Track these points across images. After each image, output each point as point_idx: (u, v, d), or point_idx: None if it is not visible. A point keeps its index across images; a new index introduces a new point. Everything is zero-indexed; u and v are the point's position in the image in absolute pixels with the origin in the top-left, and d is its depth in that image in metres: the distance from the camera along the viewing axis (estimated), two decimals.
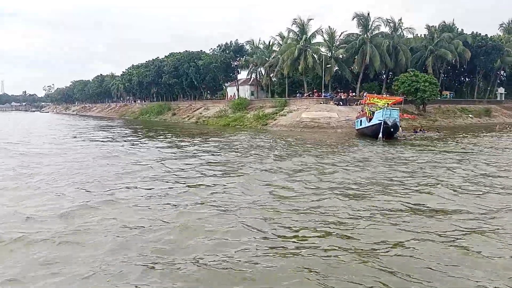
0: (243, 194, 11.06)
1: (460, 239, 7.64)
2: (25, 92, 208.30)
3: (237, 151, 20.94)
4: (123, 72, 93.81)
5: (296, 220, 8.66)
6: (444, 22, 51.38)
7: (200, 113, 56.15)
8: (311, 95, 45.98)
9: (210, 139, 28.13)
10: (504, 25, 58.70)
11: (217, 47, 59.82)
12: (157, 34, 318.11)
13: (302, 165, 15.98)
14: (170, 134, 33.44)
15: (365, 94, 42.21)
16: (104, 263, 6.48)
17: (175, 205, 9.88)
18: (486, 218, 8.91)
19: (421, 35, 52.49)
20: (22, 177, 13.48)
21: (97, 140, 28.58)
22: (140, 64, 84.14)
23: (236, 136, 30.31)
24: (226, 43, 58.48)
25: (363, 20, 44.94)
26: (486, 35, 52.33)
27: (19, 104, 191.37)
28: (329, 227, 8.23)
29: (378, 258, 6.67)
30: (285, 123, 38.33)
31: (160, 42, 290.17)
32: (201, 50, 67.66)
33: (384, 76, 50.68)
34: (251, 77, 59.98)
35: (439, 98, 45.85)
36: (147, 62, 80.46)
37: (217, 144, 24.92)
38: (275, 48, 53.42)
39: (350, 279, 5.95)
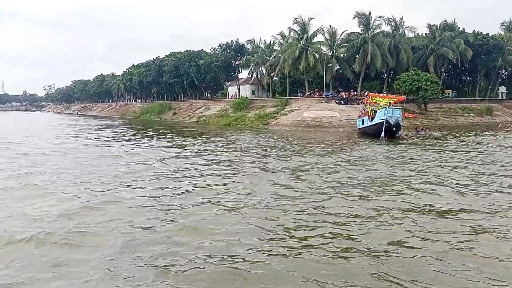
0: (248, 194, 11.01)
1: (467, 239, 7.59)
2: (26, 92, 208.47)
3: (240, 151, 20.88)
4: (123, 71, 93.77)
5: (301, 220, 8.61)
6: (446, 21, 51.26)
7: (201, 113, 56.08)
8: (312, 94, 45.89)
9: (212, 139, 28.06)
10: (505, 24, 58.53)
11: (218, 46, 59.75)
12: (157, 34, 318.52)
13: (305, 164, 15.92)
14: (171, 134, 33.38)
15: (366, 93, 42.22)
16: (112, 265, 6.43)
17: (181, 205, 9.84)
18: (493, 218, 8.86)
19: (422, 34, 52.43)
20: (28, 177, 13.43)
21: (99, 140, 28.53)
22: (141, 64, 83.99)
23: (237, 136, 30.24)
24: (227, 42, 58.42)
25: (364, 19, 44.84)
26: (488, 33, 52.21)
27: (19, 104, 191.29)
28: (334, 227, 8.18)
29: (384, 258, 6.62)
30: (287, 122, 38.25)
31: (160, 42, 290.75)
32: (201, 50, 67.57)
33: (385, 75, 50.57)
34: (252, 76, 59.87)
35: (440, 97, 45.74)
36: (147, 62, 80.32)
37: (219, 143, 24.86)
38: (276, 47, 53.30)
39: (355, 279, 5.89)
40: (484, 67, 52.91)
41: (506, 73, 59.34)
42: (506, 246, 7.20)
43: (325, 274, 6.07)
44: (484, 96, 55.90)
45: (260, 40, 56.33)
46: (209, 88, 70.62)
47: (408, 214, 9.08)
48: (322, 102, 40.95)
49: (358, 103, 39.48)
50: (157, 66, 73.18)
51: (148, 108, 74.03)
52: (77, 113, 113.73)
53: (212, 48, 62.02)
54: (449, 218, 8.86)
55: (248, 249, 6.99)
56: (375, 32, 45.73)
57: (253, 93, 61.10)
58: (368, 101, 31.19)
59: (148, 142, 26.32)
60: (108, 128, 44.48)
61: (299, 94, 48.76)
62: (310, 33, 45.92)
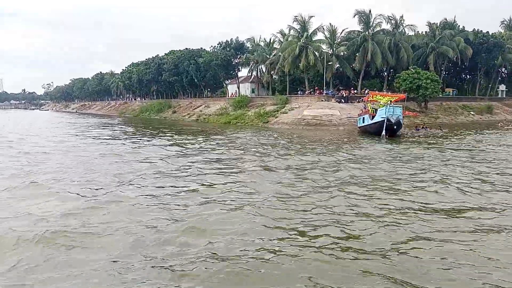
0: (251, 193, 10.98)
1: (475, 238, 7.55)
2: (25, 90, 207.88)
3: (241, 149, 20.83)
4: (123, 69, 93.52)
5: (306, 220, 8.57)
6: (446, 19, 51.22)
7: (201, 111, 55.98)
8: (312, 92, 45.83)
9: (212, 137, 28.00)
10: (505, 22, 58.50)
11: (218, 44, 59.57)
12: (157, 34, 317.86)
13: (307, 163, 15.89)
14: (172, 132, 33.31)
15: (366, 91, 42.17)
16: (120, 266, 6.40)
17: (185, 205, 9.80)
18: (501, 216, 8.82)
19: (422, 32, 52.35)
20: (31, 176, 13.37)
21: (99, 138, 28.46)
22: (140, 62, 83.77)
23: (238, 134, 30.19)
24: (227, 41, 58.24)
25: (364, 17, 44.75)
26: (488, 32, 52.18)
27: (18, 102, 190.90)
28: (340, 227, 8.14)
29: (392, 259, 6.58)
30: (287, 120, 38.19)
31: (160, 42, 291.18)
32: (201, 48, 67.41)
33: (386, 73, 50.51)
34: (251, 74, 59.76)
35: (441, 96, 45.71)
36: (147, 60, 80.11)
37: (219, 142, 24.81)
38: (276, 45, 53.20)
39: (364, 280, 5.85)
40: (484, 66, 52.89)
41: (506, 72, 59.31)
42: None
43: (333, 275, 6.04)
44: (484, 95, 55.90)
45: (260, 38, 56.37)
46: (209, 86, 70.52)
47: (414, 213, 9.05)
48: (322, 101, 40.90)
49: (358, 101, 39.48)
50: (156, 64, 73.01)
51: (148, 106, 73.89)
52: (76, 112, 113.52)
53: (211, 46, 61.93)
54: (456, 217, 8.82)
55: (256, 249, 6.94)
56: (375, 30, 45.68)
57: (253, 91, 61.03)
58: (369, 99, 31.13)
59: (148, 141, 26.25)
60: (107, 126, 44.38)
61: (299, 93, 48.69)
62: (310, 31, 45.88)
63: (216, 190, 11.34)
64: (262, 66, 55.73)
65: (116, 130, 38.24)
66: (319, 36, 46.97)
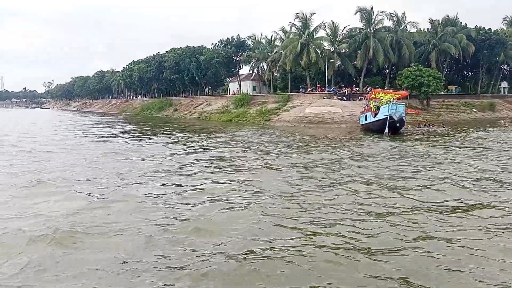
0: (256, 192, 10.95)
1: (483, 237, 7.49)
2: (25, 88, 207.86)
3: (243, 147, 20.79)
4: (123, 67, 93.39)
5: (313, 219, 8.53)
6: (448, 16, 51.01)
7: (202, 109, 55.90)
8: (314, 90, 45.72)
9: (214, 135, 27.96)
10: (507, 19, 58.18)
11: (219, 42, 59.43)
12: (157, 34, 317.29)
13: (311, 161, 15.83)
14: (173, 130, 33.28)
15: (368, 88, 42.06)
16: (130, 266, 6.37)
17: (191, 203, 9.79)
18: (509, 215, 8.75)
19: (424, 29, 52.14)
20: (36, 175, 13.34)
21: (102, 137, 28.45)
22: (141, 60, 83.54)
23: (240, 132, 30.13)
24: (228, 38, 58.06)
25: (366, 14, 44.51)
26: (490, 29, 51.91)
27: (19, 100, 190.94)
28: (348, 226, 8.11)
29: (398, 258, 6.53)
30: (289, 118, 38.10)
31: (161, 42, 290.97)
32: (202, 45, 67.17)
33: (387, 70, 50.31)
34: (253, 72, 59.57)
35: (443, 93, 45.56)
36: (147, 58, 79.86)
37: (222, 140, 24.76)
38: (277, 43, 53.04)
39: (373, 281, 5.80)
40: (486, 63, 52.70)
41: (507, 69, 59.15)
42: None
43: (345, 275, 6.01)
44: (486, 92, 55.75)
45: (261, 35, 56.08)
46: (210, 84, 70.36)
47: (421, 212, 8.99)
48: (324, 98, 40.77)
49: (360, 99, 39.38)
50: (157, 62, 72.83)
51: (149, 104, 73.84)
52: (77, 110, 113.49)
53: (213, 44, 61.80)
54: (465, 216, 8.76)
55: (266, 248, 6.90)
56: (377, 28, 45.42)
57: (254, 89, 60.90)
58: (371, 97, 31.03)
59: (151, 139, 26.22)
60: (109, 124, 44.36)
61: (301, 90, 48.57)
62: (312, 28, 45.69)
63: (222, 188, 11.30)
64: (264, 63, 55.60)
65: (118, 128, 38.20)
66: (321, 33, 46.81)
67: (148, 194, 10.77)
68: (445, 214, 8.84)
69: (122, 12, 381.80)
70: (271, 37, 54.51)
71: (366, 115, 30.30)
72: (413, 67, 40.70)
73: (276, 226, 8.02)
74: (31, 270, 6.21)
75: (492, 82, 57.33)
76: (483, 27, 51.82)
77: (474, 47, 47.80)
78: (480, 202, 9.73)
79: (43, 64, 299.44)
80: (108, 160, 16.73)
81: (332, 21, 46.68)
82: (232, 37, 57.96)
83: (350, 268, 6.20)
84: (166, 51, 74.46)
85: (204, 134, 28.65)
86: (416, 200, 9.93)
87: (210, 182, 12.18)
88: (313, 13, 45.80)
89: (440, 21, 50.17)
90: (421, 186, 11.36)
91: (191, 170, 14.23)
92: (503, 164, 14.87)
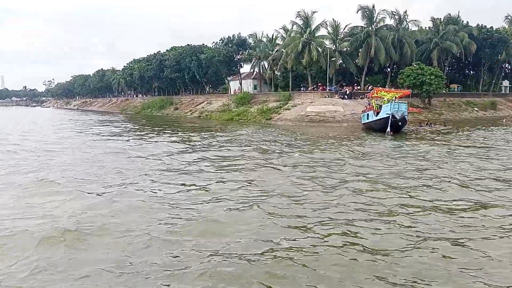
0: (259, 191, 10.90)
1: (487, 237, 7.41)
2: (26, 87, 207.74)
3: (245, 146, 20.70)
4: (124, 66, 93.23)
5: (316, 219, 8.47)
6: (449, 15, 50.80)
7: (203, 108, 55.81)
8: (315, 88, 45.59)
9: (216, 134, 27.88)
10: (509, 18, 57.85)
11: (220, 40, 59.29)
12: (157, 34, 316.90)
13: (313, 160, 15.76)
14: (175, 129, 33.22)
15: (370, 87, 41.93)
16: (134, 266, 6.32)
17: (194, 203, 9.72)
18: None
19: (425, 27, 51.97)
20: (39, 174, 13.29)
21: (103, 135, 28.41)
22: (142, 59, 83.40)
23: (241, 131, 30.05)
24: (229, 37, 57.92)
25: (367, 13, 44.27)
26: (492, 27, 51.77)
27: (19, 99, 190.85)
28: (350, 226, 8.02)
29: (402, 259, 6.45)
30: (290, 117, 38.00)
31: (161, 42, 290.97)
32: (203, 44, 67.06)
33: (389, 69, 50.18)
34: (254, 71, 59.48)
35: (445, 92, 45.42)
36: (148, 56, 79.73)
37: (223, 138, 24.69)
38: (278, 41, 52.90)
39: (375, 282, 5.74)
40: (488, 61, 52.57)
41: (509, 67, 59.01)
42: None
43: (352, 276, 5.94)
44: (487, 90, 55.61)
45: (262, 34, 55.95)
46: (211, 82, 70.24)
47: (427, 212, 8.91)
48: (325, 97, 40.66)
49: (362, 98, 39.22)
50: (158, 61, 72.69)
51: (149, 103, 73.74)
52: (77, 108, 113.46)
53: (213, 42, 61.66)
54: (470, 216, 8.68)
55: (274, 250, 6.82)
56: (378, 26, 45.18)
57: (255, 87, 60.78)
58: (373, 96, 30.92)
59: (153, 138, 26.16)
60: (110, 123, 44.28)
61: (302, 89, 48.47)
62: (313, 27, 45.49)
63: (226, 188, 11.23)
64: (265, 62, 55.45)
65: (120, 127, 38.14)
66: (322, 31, 46.66)
67: (153, 193, 10.71)
68: (452, 214, 8.76)
69: (122, 12, 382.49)
70: (272, 35, 54.45)
71: (368, 114, 30.19)
72: (415, 65, 40.55)
73: (283, 226, 7.94)
74: (40, 272, 6.13)
75: (493, 81, 57.18)
76: (485, 26, 51.67)
77: (476, 45, 47.68)
78: (488, 202, 9.65)
79: (43, 64, 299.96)
80: (111, 159, 16.67)
81: (333, 19, 46.51)
82: (233, 36, 57.82)
83: (359, 269, 6.13)
84: (167, 50, 74.32)
85: (205, 133, 28.57)
86: (423, 200, 9.85)
87: (214, 182, 12.10)
88: (315, 12, 45.71)
89: (441, 19, 49.99)
90: (426, 186, 11.28)
91: (194, 169, 14.17)
92: (510, 163, 14.75)
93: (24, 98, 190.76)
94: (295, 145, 21.12)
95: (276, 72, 54.76)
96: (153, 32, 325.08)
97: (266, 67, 55.87)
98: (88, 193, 10.77)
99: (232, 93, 59.66)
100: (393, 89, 35.41)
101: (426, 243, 7.05)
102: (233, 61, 58.85)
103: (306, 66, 46.57)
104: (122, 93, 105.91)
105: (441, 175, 12.72)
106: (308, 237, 7.41)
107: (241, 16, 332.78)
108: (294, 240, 7.25)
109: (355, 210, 9.01)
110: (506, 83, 58.18)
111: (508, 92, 57.39)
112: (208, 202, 9.72)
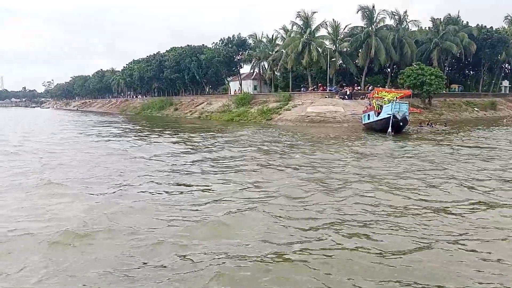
0: (262, 192, 10.85)
1: (495, 238, 7.37)
2: (25, 88, 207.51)
3: (246, 147, 20.66)
4: (124, 67, 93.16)
5: (321, 221, 8.40)
6: (449, 15, 50.86)
7: (203, 108, 55.76)
8: (315, 89, 45.59)
9: (217, 135, 27.86)
10: (509, 18, 57.91)
11: (220, 41, 59.31)
12: (157, 34, 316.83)
13: (315, 161, 15.72)
14: (175, 130, 33.17)
15: (370, 87, 41.94)
16: (143, 268, 6.29)
17: (198, 204, 9.68)
18: None
19: (425, 28, 51.99)
20: (41, 175, 13.22)
21: (104, 136, 28.37)
22: (141, 59, 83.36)
23: (242, 131, 30.02)
24: (229, 37, 57.96)
25: (367, 13, 44.29)
26: (492, 27, 51.85)
27: (19, 100, 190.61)
28: (357, 228, 7.98)
29: (410, 262, 6.40)
30: (290, 117, 37.97)
31: (161, 42, 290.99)
32: (203, 45, 67.09)
33: (389, 69, 50.19)
34: (254, 71, 59.45)
35: (445, 92, 45.41)
36: (148, 57, 79.69)
37: (224, 139, 24.66)
38: (278, 41, 52.89)
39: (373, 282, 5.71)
40: (487, 61, 52.62)
41: (509, 67, 59.06)
42: None
43: (362, 278, 5.90)
44: (487, 91, 55.65)
45: (262, 34, 55.93)
46: (211, 83, 70.22)
47: (433, 214, 8.85)
48: (326, 97, 40.65)
49: (362, 98, 39.22)
50: (157, 62, 72.64)
51: (149, 103, 73.64)
52: (77, 109, 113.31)
53: (213, 43, 61.67)
54: (479, 217, 8.62)
55: (286, 253, 6.77)
56: (378, 26, 45.20)
57: (255, 88, 60.75)
58: (374, 96, 30.89)
59: (153, 138, 26.11)
60: (111, 124, 44.21)
61: (302, 89, 48.45)
62: (313, 27, 45.50)
63: (229, 189, 11.18)
64: (265, 62, 55.44)
65: (120, 128, 38.07)
66: (322, 32, 46.70)
67: (157, 194, 10.68)
68: (460, 215, 8.70)
69: (122, 12, 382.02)
70: (272, 36, 54.43)
71: (368, 114, 30.17)
72: (415, 65, 40.54)
73: (290, 229, 7.88)
74: (50, 276, 6.06)
75: (493, 81, 57.24)
76: (485, 26, 51.71)
77: (476, 45, 47.72)
78: (494, 202, 9.60)
79: (43, 64, 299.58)
80: (113, 160, 16.64)
81: (333, 19, 46.53)
82: (233, 36, 57.83)
83: (367, 271, 6.08)
84: (166, 50, 74.27)
85: (206, 134, 28.53)
86: (429, 201, 9.78)
87: (217, 183, 12.06)
88: (315, 12, 45.73)
89: (441, 19, 50.02)
90: (431, 187, 11.22)
91: (196, 171, 14.12)
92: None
93: (24, 99, 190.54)
94: (297, 145, 21.08)
95: (276, 73, 54.74)
96: (153, 32, 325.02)
97: (266, 67, 55.86)
98: (92, 194, 10.72)
99: (232, 93, 59.63)
100: (393, 89, 35.42)
101: (437, 245, 7.01)
102: (233, 62, 58.85)
103: (306, 66, 46.56)
104: (122, 94, 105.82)
105: (445, 175, 12.69)
106: (318, 239, 7.36)
107: (241, 16, 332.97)
108: (304, 242, 7.20)
109: (361, 211, 8.96)
110: (506, 83, 58.23)
111: (508, 92, 57.44)
112: (213, 204, 9.67)
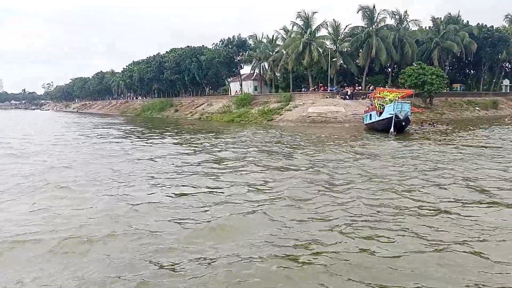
0: (265, 193, 10.75)
1: (503, 240, 7.26)
2: (25, 90, 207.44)
3: (248, 148, 20.54)
4: (123, 68, 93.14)
5: (326, 223, 8.29)
6: (450, 14, 50.85)
7: (203, 109, 55.68)
8: (316, 89, 45.50)
9: (217, 136, 27.77)
10: (509, 17, 57.89)
11: (220, 41, 59.27)
12: (157, 34, 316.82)
13: (317, 162, 15.62)
14: (176, 131, 33.09)
15: (371, 87, 41.85)
16: (152, 270, 6.21)
17: (202, 206, 9.58)
18: None
19: (426, 27, 51.94)
20: (42, 177, 13.14)
21: (105, 137, 28.28)
22: (141, 60, 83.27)
23: (243, 132, 29.93)
24: (229, 38, 57.90)
25: (368, 13, 44.21)
26: (492, 26, 51.80)
27: (18, 102, 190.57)
28: (363, 230, 7.85)
29: (418, 265, 6.29)
30: (291, 118, 37.89)
31: (161, 42, 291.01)
32: (203, 45, 67.01)
33: (390, 69, 50.11)
34: (254, 72, 59.37)
35: (446, 91, 45.31)
36: (148, 58, 79.61)
37: (225, 140, 24.56)
38: (279, 42, 52.80)
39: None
40: (488, 60, 52.58)
41: (510, 66, 59.00)
42: None
43: (379, 282, 5.78)
44: (488, 90, 55.59)
45: (263, 35, 55.86)
46: (211, 84, 70.14)
47: (440, 215, 8.75)
48: (327, 97, 40.57)
49: (363, 98, 39.12)
50: (157, 63, 72.57)
51: (149, 105, 73.56)
52: (77, 111, 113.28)
53: (213, 43, 61.64)
54: (487, 219, 8.51)
55: (285, 255, 6.68)
56: (379, 26, 45.11)
57: (255, 89, 60.69)
58: (376, 96, 30.80)
59: (154, 140, 25.99)
60: (111, 126, 44.09)
61: (303, 90, 48.35)
62: (314, 27, 45.42)
63: (233, 190, 11.09)
64: (265, 63, 55.35)
65: (120, 129, 37.97)
66: (323, 32, 46.62)
67: (161, 196, 10.58)
68: (466, 216, 8.59)
69: (122, 12, 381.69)
70: (273, 36, 54.36)
71: (370, 114, 30.08)
72: (416, 65, 40.45)
73: (298, 231, 7.78)
74: (57, 280, 5.97)
75: (494, 80, 57.18)
76: (485, 25, 51.65)
77: (476, 44, 47.66)
78: (498, 205, 9.49)
79: (43, 64, 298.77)
80: (116, 161, 16.54)
81: (334, 19, 46.45)
82: (233, 37, 57.77)
83: (375, 274, 5.98)
84: (166, 51, 74.22)
85: (207, 135, 28.44)
86: (435, 202, 9.66)
87: (219, 184, 11.95)
88: (315, 12, 45.67)
89: (442, 19, 49.98)
90: (438, 187, 11.12)
91: (199, 172, 14.03)
92: None
93: (23, 101, 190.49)
94: (299, 146, 20.97)
95: (276, 73, 54.64)
96: (153, 32, 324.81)
97: (267, 68, 55.77)
98: (96, 196, 10.64)
99: (232, 94, 59.56)
100: (394, 89, 35.31)
101: (446, 247, 6.91)
102: (233, 62, 58.79)
103: (307, 66, 46.47)
104: (122, 96, 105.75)
105: (450, 176, 12.59)
106: (326, 241, 7.25)
107: (241, 16, 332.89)
108: (312, 244, 7.11)
109: (367, 213, 8.85)
110: (506, 82, 58.19)
111: (508, 91, 57.39)
112: (217, 206, 9.57)
